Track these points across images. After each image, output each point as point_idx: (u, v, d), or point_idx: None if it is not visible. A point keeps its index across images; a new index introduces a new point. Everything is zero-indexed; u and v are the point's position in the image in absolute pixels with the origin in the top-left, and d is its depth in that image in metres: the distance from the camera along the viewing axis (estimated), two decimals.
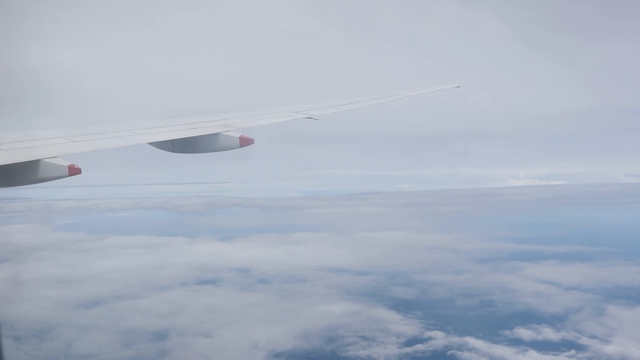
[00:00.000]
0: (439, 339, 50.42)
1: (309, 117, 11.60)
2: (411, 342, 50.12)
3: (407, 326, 53.81)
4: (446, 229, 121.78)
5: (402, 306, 59.87)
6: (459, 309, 60.35)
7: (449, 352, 47.88)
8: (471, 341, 49.19)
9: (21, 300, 56.96)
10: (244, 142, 9.97)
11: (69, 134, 8.84)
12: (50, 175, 7.38)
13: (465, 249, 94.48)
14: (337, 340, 50.64)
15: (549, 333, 51.85)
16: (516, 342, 49.80)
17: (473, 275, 74.92)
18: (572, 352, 47.78)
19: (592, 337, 50.79)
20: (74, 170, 7.35)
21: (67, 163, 7.38)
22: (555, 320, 55.05)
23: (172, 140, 9.81)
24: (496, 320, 55.60)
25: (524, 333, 51.73)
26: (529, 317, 55.81)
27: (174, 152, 10.05)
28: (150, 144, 9.60)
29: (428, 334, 51.63)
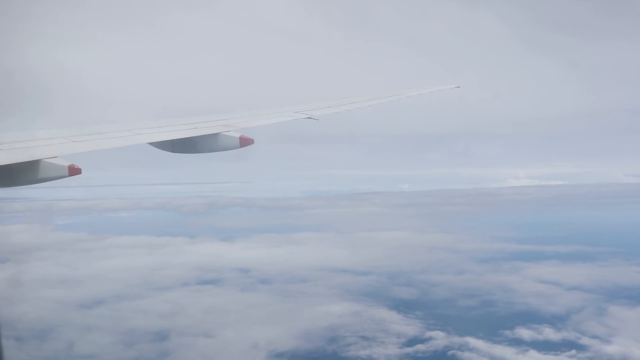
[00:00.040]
0: (439, 339, 50.42)
1: (309, 117, 11.59)
2: (412, 342, 50.12)
3: (407, 326, 53.81)
4: (447, 229, 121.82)
5: (403, 306, 59.87)
6: (460, 309, 60.36)
7: (450, 352, 47.87)
8: (472, 341, 49.18)
9: (22, 301, 56.99)
10: (244, 142, 9.95)
11: (69, 134, 8.83)
12: (50, 175, 7.37)
13: (465, 249, 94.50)
14: (338, 340, 50.65)
15: (549, 333, 51.83)
16: (517, 342, 49.79)
17: (474, 275, 74.94)
18: (573, 352, 47.77)
19: (593, 337, 50.78)
20: (74, 171, 7.34)
21: (67, 163, 7.37)
22: (556, 320, 55.03)
23: (172, 140, 9.80)
24: (497, 321, 55.58)
25: (525, 333, 51.72)
26: (530, 317, 55.79)
27: (174, 152, 10.04)
28: (151, 144, 9.59)
29: (429, 334, 51.63)
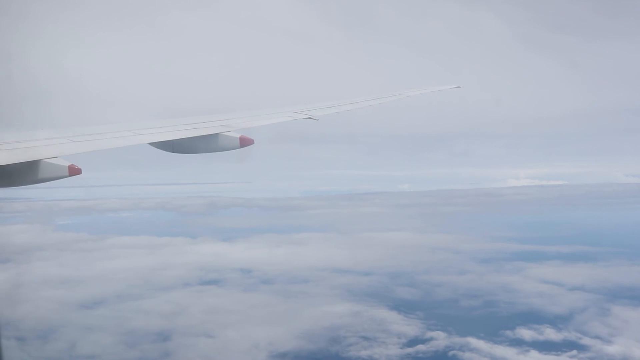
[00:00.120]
0: (440, 339, 50.39)
1: (309, 118, 11.58)
2: (413, 342, 50.10)
3: (408, 326, 53.79)
4: (447, 229, 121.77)
5: (404, 306, 59.84)
6: (461, 309, 60.31)
7: (451, 353, 47.84)
8: (473, 341, 49.14)
9: (23, 301, 57.02)
10: (244, 142, 9.95)
11: (69, 134, 8.83)
12: (50, 176, 7.37)
13: (467, 249, 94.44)
14: (339, 340, 50.63)
15: (550, 333, 51.78)
16: (518, 343, 49.74)
17: (475, 275, 74.89)
18: (574, 352, 47.71)
19: (595, 337, 50.72)
20: (74, 171, 7.34)
21: (67, 163, 7.37)
22: (557, 321, 54.96)
23: (173, 141, 9.80)
24: (498, 321, 55.53)
25: (526, 333, 51.67)
26: (531, 318, 55.74)
27: (174, 152, 10.04)
28: (151, 144, 9.59)
29: (430, 334, 51.60)
